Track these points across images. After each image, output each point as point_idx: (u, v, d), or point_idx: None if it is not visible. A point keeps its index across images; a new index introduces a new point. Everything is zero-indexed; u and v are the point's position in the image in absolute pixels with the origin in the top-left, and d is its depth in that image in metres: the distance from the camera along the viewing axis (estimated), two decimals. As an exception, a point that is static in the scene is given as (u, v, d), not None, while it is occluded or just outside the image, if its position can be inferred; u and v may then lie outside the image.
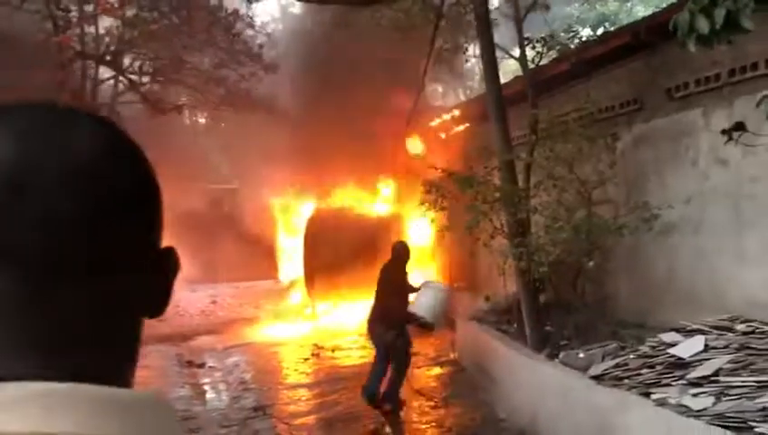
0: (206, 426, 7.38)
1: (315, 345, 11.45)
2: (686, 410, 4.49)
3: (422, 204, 7.47)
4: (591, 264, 6.48)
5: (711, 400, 4.55)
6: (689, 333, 5.53)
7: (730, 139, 3.53)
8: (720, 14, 3.65)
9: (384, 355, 7.61)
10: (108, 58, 12.07)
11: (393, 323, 7.60)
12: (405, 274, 7.87)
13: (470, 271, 11.19)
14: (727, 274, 5.88)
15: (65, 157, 0.55)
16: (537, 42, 7.83)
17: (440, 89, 18.63)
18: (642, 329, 6.51)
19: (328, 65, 13.84)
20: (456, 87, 18.92)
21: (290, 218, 17.62)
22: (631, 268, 7.10)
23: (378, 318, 7.66)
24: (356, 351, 10.52)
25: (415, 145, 12.33)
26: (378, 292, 7.74)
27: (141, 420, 0.55)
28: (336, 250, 13.17)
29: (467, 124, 11.34)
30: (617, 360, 5.76)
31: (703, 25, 3.69)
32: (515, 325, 8.11)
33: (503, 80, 7.89)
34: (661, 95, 7.03)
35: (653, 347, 5.62)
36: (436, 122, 13.04)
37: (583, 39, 8.07)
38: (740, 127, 3.48)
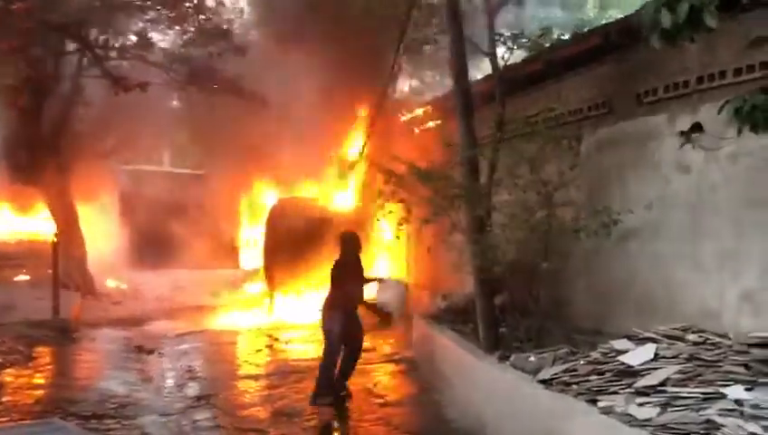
0: (145, 413, 7.10)
1: (269, 337, 11.21)
2: (630, 420, 4.37)
3: (380, 195, 7.29)
4: (545, 265, 6.35)
5: (657, 410, 4.43)
6: (641, 341, 5.42)
7: (687, 141, 3.38)
8: (683, 9, 3.52)
9: (336, 347, 7.44)
10: (71, 30, 11.64)
11: (350, 311, 7.51)
12: (360, 261, 7.81)
13: (429, 268, 11.03)
14: (683, 282, 5.78)
15: None
16: (508, 38, 7.66)
17: (415, 83, 18.44)
18: (597, 335, 6.38)
19: (300, 50, 13.56)
20: (439, 83, 18.72)
21: (253, 208, 17.35)
22: (589, 273, 6.99)
23: (334, 306, 7.50)
24: (310, 344, 10.29)
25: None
26: (334, 279, 7.59)
27: None
28: (297, 243, 12.93)
29: (439, 121, 11.17)
30: (567, 365, 5.62)
31: (666, 20, 3.56)
32: (471, 325, 7.96)
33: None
34: (631, 100, 6.91)
35: (604, 354, 5.49)
36: (408, 117, 12.89)
37: (555, 39, 7.91)
38: (697, 128, 3.33)
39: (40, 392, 7.79)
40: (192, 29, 13.00)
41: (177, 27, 13.05)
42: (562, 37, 8.01)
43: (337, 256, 7.74)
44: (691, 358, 4.91)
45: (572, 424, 4.72)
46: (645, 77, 6.58)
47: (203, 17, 12.73)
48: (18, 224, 16.89)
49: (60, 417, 6.43)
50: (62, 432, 3.51)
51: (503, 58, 7.79)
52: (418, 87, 17.32)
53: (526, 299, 7.18)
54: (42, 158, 14.17)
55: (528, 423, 5.36)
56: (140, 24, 12.39)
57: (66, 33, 12.08)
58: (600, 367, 5.33)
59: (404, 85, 15.64)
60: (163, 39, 14.00)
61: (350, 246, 7.71)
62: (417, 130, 13.25)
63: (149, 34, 12.59)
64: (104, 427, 6.53)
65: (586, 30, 8.13)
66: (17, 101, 12.67)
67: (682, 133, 3.51)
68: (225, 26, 13.46)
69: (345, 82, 12.29)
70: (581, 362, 5.53)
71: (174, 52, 13.32)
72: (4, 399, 7.36)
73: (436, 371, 7.93)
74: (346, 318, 7.49)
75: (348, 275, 7.59)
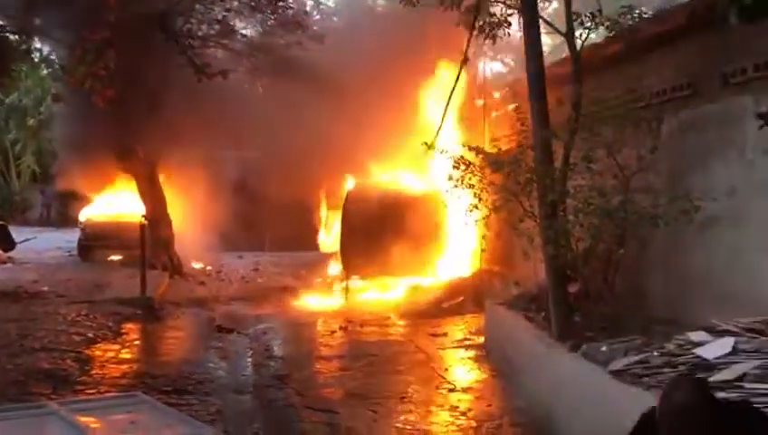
0: (222, 391, 7.40)
1: (345, 319, 11.39)
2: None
3: (449, 180, 7.24)
4: (621, 252, 6.13)
5: (732, 406, 4.22)
6: (719, 333, 5.17)
7: (766, 123, 3.18)
8: (765, -18, 3.32)
9: None
10: (158, 21, 12.13)
11: None
12: None
13: (502, 254, 10.90)
14: (767, 273, 5.46)
15: None
16: (586, 17, 7.40)
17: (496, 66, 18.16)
18: (674, 326, 6.13)
19: (380, 38, 13.62)
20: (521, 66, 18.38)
21: (334, 192, 17.61)
22: (667, 261, 6.71)
23: None
24: (383, 328, 10.40)
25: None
26: None
27: None
28: (372, 227, 13.06)
29: (516, 104, 10.97)
30: (640, 356, 5.44)
31: (745, -5, 3.36)
32: (543, 313, 7.81)
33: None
34: (716, 80, 6.57)
35: (679, 346, 5.28)
36: (485, 101, 12.75)
37: (637, 17, 7.57)
38: (775, 111, 3.13)
39: (125, 367, 8.26)
40: (271, 18, 13.25)
41: (258, 16, 13.32)
42: (645, 15, 7.61)
43: None
44: (773, 353, 4.65)
45: (642, 418, 4.56)
46: (732, 56, 6.23)
47: (282, 4, 12.94)
48: (112, 207, 17.87)
49: (143, 391, 6.78)
50: (146, 406, 3.71)
51: (580, 38, 7.55)
52: (498, 70, 17.05)
53: (601, 287, 6.99)
54: (132, 145, 14.88)
55: (597, 415, 5.23)
56: (222, 14, 12.72)
57: (153, 24, 12.56)
58: (674, 359, 5.12)
59: (483, 68, 15.41)
60: (245, 26, 14.34)
61: None
62: (494, 114, 13.10)
63: (231, 23, 12.94)
64: (183, 402, 6.83)
65: (670, 7, 7.72)
66: (109, 91, 13.31)
67: (760, 116, 3.31)
68: (303, 15, 13.65)
69: (421, 67, 12.26)
70: (655, 354, 5.34)
71: (254, 40, 13.63)
72: (92, 372, 7.84)
73: (507, 358, 7.85)
74: None
75: None
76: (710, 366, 4.78)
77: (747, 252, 5.69)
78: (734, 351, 4.83)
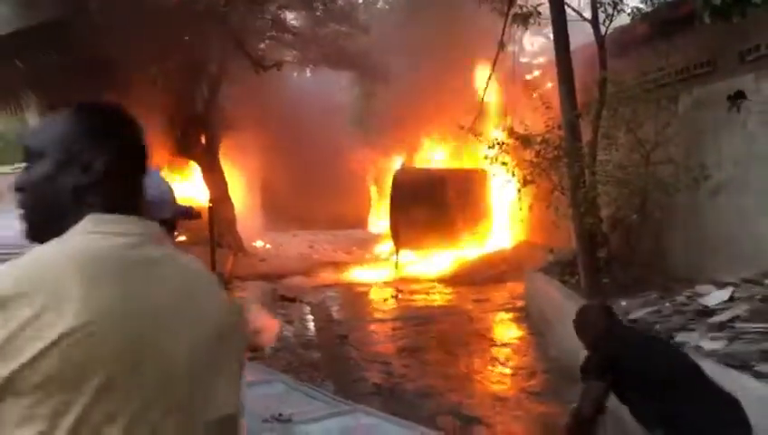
0: (291, 347, 8.45)
1: (395, 288, 12.36)
2: (698, 351, 4.98)
3: (485, 158, 8.06)
4: (635, 217, 6.89)
5: (724, 343, 5.01)
6: (723, 285, 5.93)
7: (733, 106, 3.94)
8: (731, -14, 4.04)
9: None
10: (217, 17, 13.20)
11: None
12: None
13: (539, 225, 11.65)
14: (766, 233, 6.17)
15: None
16: (608, 5, 8.09)
17: (535, 47, 18.68)
18: (690, 284, 6.88)
19: (423, 26, 14.37)
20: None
21: (381, 173, 18.51)
22: (685, 226, 7.43)
23: None
24: (431, 295, 11.32)
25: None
26: None
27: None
28: (420, 203, 13.95)
29: (549, 84, 11.64)
30: (654, 308, 6.24)
31: (715, -2, 4.09)
32: (576, 277, 8.60)
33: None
34: (734, 58, 7.18)
35: (687, 297, 6.07)
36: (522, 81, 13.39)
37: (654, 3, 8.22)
38: (740, 95, 3.88)
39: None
40: (320, 12, 14.19)
41: (308, 10, 14.27)
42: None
43: None
44: (764, 299, 5.39)
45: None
46: (749, 36, 6.80)
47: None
48: (178, 191, 19.15)
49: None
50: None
51: (603, 23, 8.24)
52: (535, 51, 17.58)
53: (625, 251, 7.74)
54: (195, 133, 16.11)
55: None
56: (275, 10, 13.70)
57: (213, 21, 13.64)
58: (682, 308, 5.92)
59: (522, 50, 16.00)
60: (296, 19, 15.30)
61: None
62: (534, 94, 13.74)
63: (284, 17, 13.93)
64: (258, 357, 7.90)
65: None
66: (174, 83, 14.49)
67: (728, 98, 4.06)
68: (350, 9, 14.54)
69: (462, 51, 12.98)
70: (666, 305, 6.14)
71: (305, 33, 14.59)
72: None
73: (543, 318, 8.68)
74: None
75: None
76: (711, 312, 5.57)
77: (750, 215, 6.39)
78: (732, 298, 5.61)
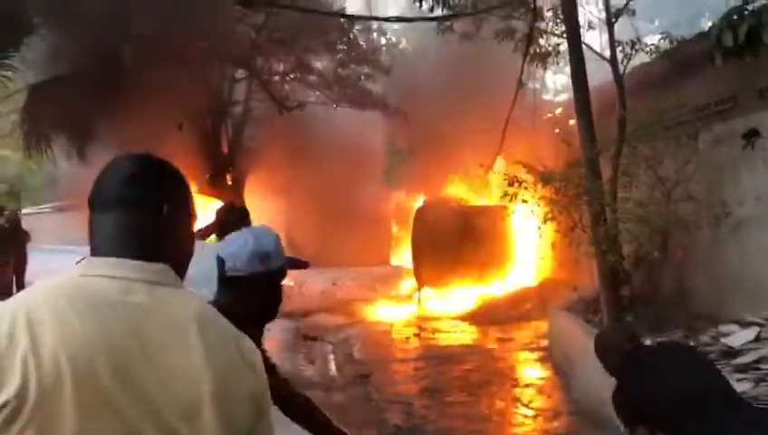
0: (312, 387, 8.43)
1: (418, 326, 12.31)
2: (724, 393, 4.89)
3: (504, 196, 8.09)
4: (656, 254, 6.83)
5: (750, 385, 4.91)
6: (747, 325, 5.83)
7: (748, 144, 3.94)
8: (743, 29, 4.08)
9: None
10: (242, 61, 13.54)
11: None
12: None
13: (562, 263, 11.56)
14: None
15: None
16: (627, 44, 8.16)
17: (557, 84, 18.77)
18: (712, 322, 6.77)
19: (447, 66, 14.55)
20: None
21: (403, 209, 18.57)
22: (707, 263, 7.34)
23: None
24: (454, 334, 11.26)
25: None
26: None
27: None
28: (442, 240, 13.94)
29: (571, 122, 11.68)
30: (678, 348, 6.14)
31: (727, 39, 4.13)
32: (600, 315, 8.51)
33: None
34: (754, 94, 7.17)
35: (712, 337, 5.97)
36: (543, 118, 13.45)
37: (677, 40, 8.27)
38: (754, 133, 3.88)
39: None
40: (341, 54, 14.49)
41: (332, 52, 14.58)
42: (684, 38, 8.30)
43: None
44: (790, 340, 5.29)
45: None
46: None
47: (348, 40, 14.15)
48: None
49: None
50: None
51: (622, 63, 8.29)
52: (557, 89, 17.68)
53: (648, 290, 7.66)
54: (220, 171, 16.38)
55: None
56: (300, 52, 14.01)
57: (238, 64, 14.00)
58: (706, 348, 5.81)
59: (544, 88, 16.11)
60: (318, 61, 15.61)
61: None
62: (557, 131, 13.79)
63: (307, 60, 14.24)
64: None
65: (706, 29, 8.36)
66: (201, 123, 14.83)
67: (743, 136, 4.06)
68: (372, 51, 14.83)
69: (482, 90, 13.11)
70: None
71: (328, 74, 14.88)
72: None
73: (567, 358, 8.56)
74: None
75: None
76: (736, 353, 5.47)
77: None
78: (757, 338, 5.51)
